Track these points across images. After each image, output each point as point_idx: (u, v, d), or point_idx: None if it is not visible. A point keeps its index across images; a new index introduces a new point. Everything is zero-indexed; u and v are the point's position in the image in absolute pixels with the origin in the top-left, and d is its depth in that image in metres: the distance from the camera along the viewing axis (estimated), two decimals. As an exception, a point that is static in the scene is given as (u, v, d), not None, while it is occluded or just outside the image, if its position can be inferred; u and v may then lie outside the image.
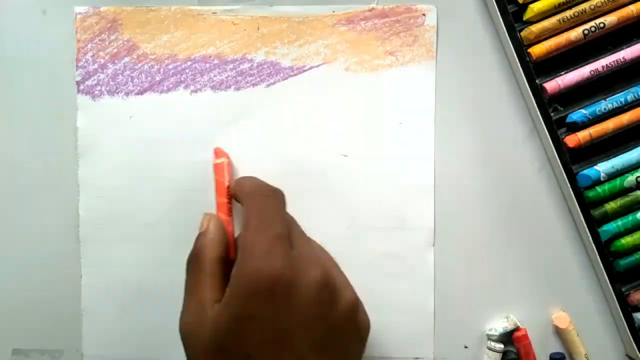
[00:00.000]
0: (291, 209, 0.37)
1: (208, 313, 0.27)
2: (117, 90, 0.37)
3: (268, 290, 0.26)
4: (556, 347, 0.37)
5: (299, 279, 0.26)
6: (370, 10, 0.37)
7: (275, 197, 0.30)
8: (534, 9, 0.34)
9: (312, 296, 0.27)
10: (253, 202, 0.29)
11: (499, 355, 0.36)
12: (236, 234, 0.32)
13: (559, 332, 0.37)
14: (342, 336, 0.28)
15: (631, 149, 0.35)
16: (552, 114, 0.35)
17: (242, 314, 0.26)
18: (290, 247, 0.27)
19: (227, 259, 0.30)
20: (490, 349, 0.36)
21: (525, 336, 0.36)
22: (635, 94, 0.35)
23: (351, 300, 0.28)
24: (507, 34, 0.35)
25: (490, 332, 0.36)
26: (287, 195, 0.37)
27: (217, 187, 0.34)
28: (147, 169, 0.37)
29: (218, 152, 0.35)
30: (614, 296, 0.35)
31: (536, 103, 0.35)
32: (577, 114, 0.35)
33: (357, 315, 0.29)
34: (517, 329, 0.37)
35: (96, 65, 0.37)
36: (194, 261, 0.29)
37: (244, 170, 0.37)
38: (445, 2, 0.36)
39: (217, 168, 0.34)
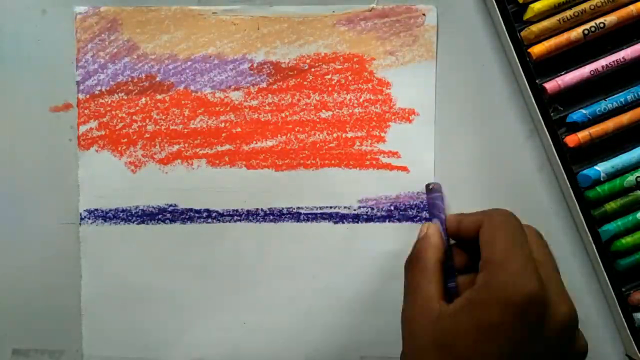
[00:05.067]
0: (291, 208, 0.37)
1: (434, 308, 0.28)
2: (118, 91, 0.37)
3: (520, 307, 0.26)
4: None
5: (550, 308, 0.27)
6: (370, 10, 0.37)
7: (518, 221, 0.30)
8: (534, 8, 0.34)
9: (557, 331, 0.27)
10: (500, 221, 0.29)
11: None
12: None
13: None
14: None
15: (631, 149, 0.35)
16: (552, 114, 0.35)
17: (485, 323, 0.26)
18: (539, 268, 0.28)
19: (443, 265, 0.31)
20: None
21: None
22: (635, 94, 0.35)
23: (584, 349, 0.29)
24: (507, 34, 0.35)
25: None
26: (286, 193, 0.37)
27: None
28: (146, 168, 0.37)
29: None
30: (614, 296, 0.35)
31: (536, 103, 0.35)
32: (577, 114, 0.35)
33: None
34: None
35: (96, 65, 0.37)
36: (417, 261, 0.31)
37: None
38: (445, 2, 0.36)
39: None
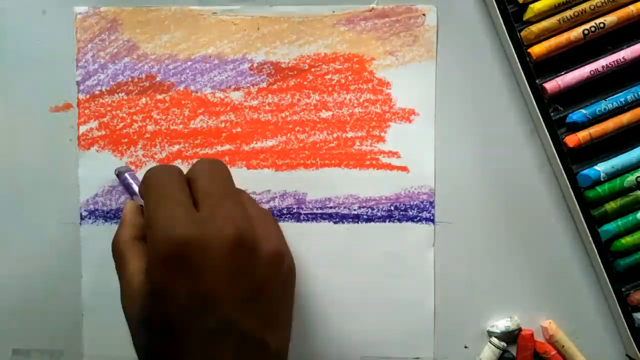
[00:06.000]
0: (291, 208, 0.37)
1: (136, 283, 0.28)
2: (118, 91, 0.37)
3: (177, 257, 0.26)
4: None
5: (210, 239, 0.26)
6: (370, 10, 0.37)
7: (166, 169, 0.30)
8: (534, 9, 0.34)
9: (227, 255, 0.26)
10: (147, 181, 0.29)
11: (499, 352, 0.36)
12: None
13: (550, 342, 0.37)
14: (270, 288, 0.28)
15: (631, 149, 0.35)
16: (552, 114, 0.35)
17: (158, 284, 0.26)
18: (195, 210, 0.27)
19: (143, 239, 0.31)
20: (492, 344, 0.36)
21: (532, 337, 0.36)
22: (635, 94, 0.35)
23: (272, 250, 0.28)
24: (507, 34, 0.35)
25: (491, 329, 0.36)
26: (286, 193, 0.37)
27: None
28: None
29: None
30: (614, 296, 0.35)
31: (536, 103, 0.35)
32: (577, 114, 0.35)
33: (281, 265, 0.28)
34: (522, 329, 0.37)
35: (96, 65, 0.37)
36: (114, 245, 0.31)
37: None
38: (445, 2, 0.36)
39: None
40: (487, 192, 0.37)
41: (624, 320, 0.35)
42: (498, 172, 0.37)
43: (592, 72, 0.35)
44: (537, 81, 0.35)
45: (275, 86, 0.37)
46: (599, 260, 0.35)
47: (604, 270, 0.35)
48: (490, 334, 0.37)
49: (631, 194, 0.35)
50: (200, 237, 0.26)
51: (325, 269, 0.37)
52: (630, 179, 0.35)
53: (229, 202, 0.28)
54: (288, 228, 0.37)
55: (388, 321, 0.37)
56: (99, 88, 0.37)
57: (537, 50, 0.35)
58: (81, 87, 0.37)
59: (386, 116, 0.37)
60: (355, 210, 0.37)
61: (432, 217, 0.37)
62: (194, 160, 0.37)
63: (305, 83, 0.37)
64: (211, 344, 0.26)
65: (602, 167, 0.35)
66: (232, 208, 0.28)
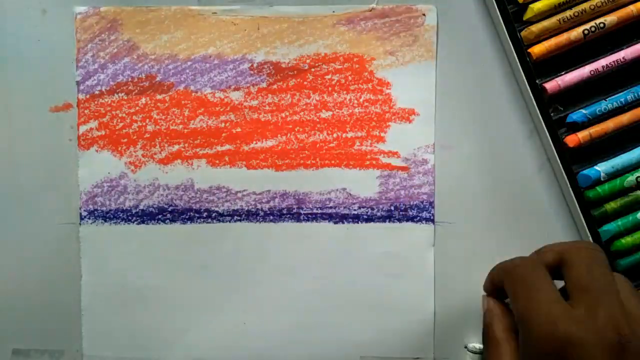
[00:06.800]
0: (291, 208, 0.37)
1: None
2: (118, 91, 0.37)
3: (557, 355, 0.26)
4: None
5: (592, 342, 0.26)
6: (370, 10, 0.37)
7: (529, 262, 0.30)
8: (534, 9, 0.34)
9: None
10: (512, 276, 0.29)
11: (478, 357, 0.36)
12: None
13: None
14: None
15: (631, 149, 0.35)
16: (552, 114, 0.35)
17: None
18: (569, 306, 0.27)
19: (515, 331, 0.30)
20: (470, 350, 0.36)
21: None
22: (635, 94, 0.35)
23: None
24: (507, 34, 0.35)
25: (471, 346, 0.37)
26: (286, 193, 0.37)
27: None
28: (146, 168, 0.37)
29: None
30: (614, 296, 0.35)
31: (536, 103, 0.35)
32: (577, 114, 0.35)
33: None
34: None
35: (96, 65, 0.37)
36: (486, 336, 0.31)
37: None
38: (445, 2, 0.36)
39: None
40: (487, 192, 0.37)
41: (624, 320, 0.35)
42: (498, 172, 0.37)
43: (592, 72, 0.35)
44: (537, 81, 0.35)
45: (275, 86, 0.37)
46: (599, 260, 0.35)
47: (604, 270, 0.35)
48: (470, 350, 0.37)
49: (631, 194, 0.35)
50: (582, 338, 0.26)
51: (325, 269, 0.37)
52: (630, 179, 0.35)
53: (609, 300, 0.27)
54: (288, 228, 0.37)
55: (388, 321, 0.37)
56: (98, 88, 0.37)
57: (537, 50, 0.35)
58: (81, 87, 0.37)
59: (386, 116, 0.37)
60: (355, 210, 0.37)
61: (432, 217, 0.37)
62: (194, 161, 0.37)
63: (305, 83, 0.37)
64: None
65: (602, 167, 0.35)
66: (612, 307, 0.27)
